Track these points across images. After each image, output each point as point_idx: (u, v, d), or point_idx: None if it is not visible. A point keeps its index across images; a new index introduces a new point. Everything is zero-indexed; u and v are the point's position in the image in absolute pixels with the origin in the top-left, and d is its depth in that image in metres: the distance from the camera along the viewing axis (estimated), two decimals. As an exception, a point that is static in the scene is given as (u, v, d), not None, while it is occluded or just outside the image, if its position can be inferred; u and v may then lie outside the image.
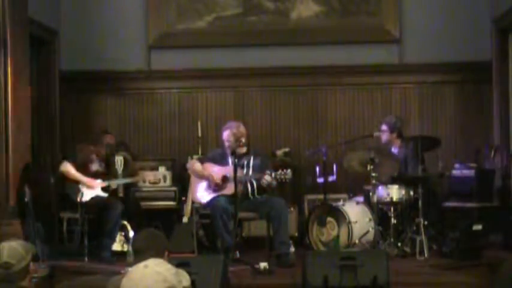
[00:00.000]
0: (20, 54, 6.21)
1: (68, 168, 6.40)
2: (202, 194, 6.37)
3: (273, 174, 5.97)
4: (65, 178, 6.42)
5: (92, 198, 6.34)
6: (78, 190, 6.30)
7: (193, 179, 6.52)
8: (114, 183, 6.53)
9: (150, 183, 7.22)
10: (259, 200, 6.25)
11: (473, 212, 6.48)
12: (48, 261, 5.71)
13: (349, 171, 6.71)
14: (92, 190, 6.37)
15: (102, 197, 6.40)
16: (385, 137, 6.73)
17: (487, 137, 7.41)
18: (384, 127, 6.73)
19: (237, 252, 5.91)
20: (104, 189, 6.45)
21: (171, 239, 6.35)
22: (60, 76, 7.61)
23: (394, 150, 6.68)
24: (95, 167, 6.54)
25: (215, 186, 6.28)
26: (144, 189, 7.21)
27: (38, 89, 7.33)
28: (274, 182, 6.03)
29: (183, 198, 6.98)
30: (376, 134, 6.79)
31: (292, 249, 6.13)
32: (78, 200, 6.22)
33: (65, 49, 7.72)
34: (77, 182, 6.36)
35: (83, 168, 6.45)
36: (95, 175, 6.48)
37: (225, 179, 6.24)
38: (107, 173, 6.61)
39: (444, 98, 7.70)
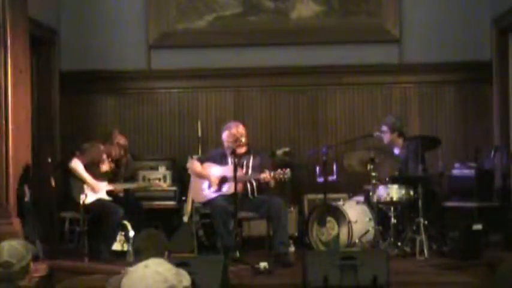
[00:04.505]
0: (20, 54, 6.21)
1: (78, 166, 6.36)
2: (203, 193, 6.38)
3: (273, 174, 5.98)
4: (72, 174, 6.40)
5: (95, 201, 6.33)
6: (83, 190, 6.29)
7: (193, 178, 6.52)
8: (120, 188, 6.52)
9: (150, 181, 7.21)
10: (259, 200, 6.25)
11: (473, 212, 6.48)
12: (48, 261, 5.71)
13: (349, 171, 6.70)
14: (96, 193, 6.36)
15: (105, 200, 6.40)
16: (386, 137, 6.71)
17: (487, 137, 7.41)
18: (384, 128, 6.72)
19: (237, 252, 5.92)
20: (108, 192, 6.44)
21: (171, 239, 6.35)
22: (60, 76, 7.61)
23: (396, 150, 6.68)
24: (105, 167, 6.51)
25: (215, 187, 6.29)
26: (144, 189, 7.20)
27: (38, 89, 7.33)
28: (273, 181, 6.04)
29: (183, 198, 6.98)
30: (376, 134, 6.78)
31: (292, 249, 6.13)
32: (81, 201, 6.21)
33: (65, 49, 7.72)
34: (82, 181, 6.36)
35: (93, 168, 6.43)
36: (104, 175, 6.46)
37: (223, 179, 6.24)
38: (116, 174, 6.60)
39: (444, 98, 7.71)
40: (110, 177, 6.51)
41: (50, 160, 6.60)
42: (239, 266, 5.67)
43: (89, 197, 6.28)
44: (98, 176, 6.43)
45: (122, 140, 6.64)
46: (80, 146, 6.67)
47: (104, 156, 6.53)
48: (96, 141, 6.78)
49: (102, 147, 6.59)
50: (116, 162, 6.59)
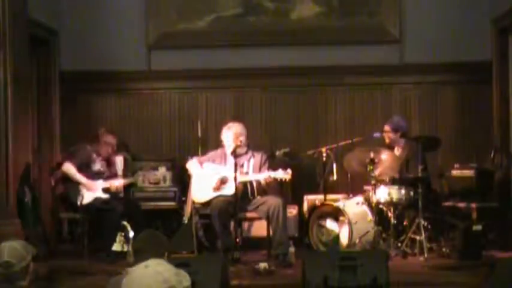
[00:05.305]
0: (20, 54, 6.21)
1: (70, 169, 6.40)
2: (203, 193, 6.38)
3: (273, 175, 5.98)
4: (66, 178, 6.43)
5: (93, 200, 6.34)
6: (79, 192, 6.31)
7: (193, 179, 6.52)
8: (114, 186, 6.52)
9: (149, 183, 7.20)
10: (258, 200, 6.25)
11: (473, 212, 6.48)
12: (48, 261, 5.71)
13: (349, 171, 6.71)
14: (92, 192, 6.37)
15: (103, 199, 6.40)
16: (388, 137, 6.70)
17: (487, 137, 7.40)
18: (387, 127, 6.71)
19: (237, 252, 5.92)
20: (104, 190, 6.45)
21: (171, 239, 6.35)
22: (60, 76, 7.61)
23: (397, 150, 6.67)
24: (96, 166, 6.54)
25: (214, 187, 6.29)
26: (144, 189, 7.20)
27: (38, 89, 7.33)
28: (273, 182, 6.04)
29: (183, 198, 6.98)
30: (376, 134, 6.77)
31: (292, 249, 6.13)
32: (79, 203, 6.22)
33: (65, 49, 7.72)
34: (78, 183, 6.37)
35: (85, 169, 6.45)
36: (96, 175, 6.48)
37: (224, 180, 6.24)
38: (109, 172, 6.61)
39: (444, 98, 7.70)
40: (104, 175, 6.52)
41: (50, 160, 6.62)
42: (239, 266, 5.67)
43: (86, 198, 6.30)
44: (92, 175, 6.45)
45: (109, 138, 6.64)
46: (68, 149, 6.71)
47: (94, 156, 6.55)
48: (83, 142, 6.78)
49: (89, 147, 6.60)
50: (107, 160, 6.61)
